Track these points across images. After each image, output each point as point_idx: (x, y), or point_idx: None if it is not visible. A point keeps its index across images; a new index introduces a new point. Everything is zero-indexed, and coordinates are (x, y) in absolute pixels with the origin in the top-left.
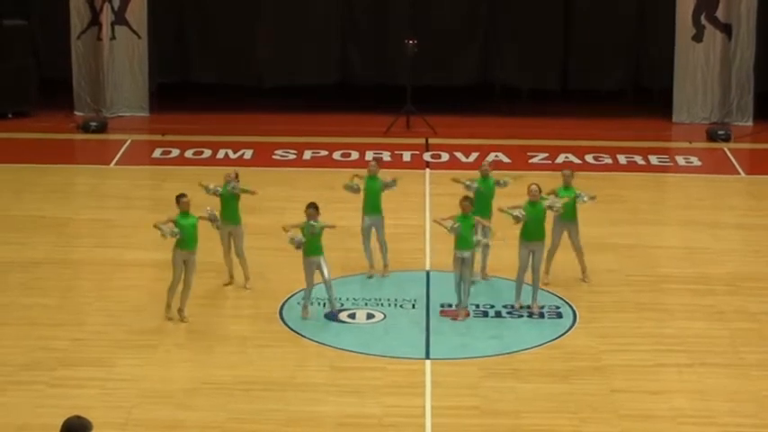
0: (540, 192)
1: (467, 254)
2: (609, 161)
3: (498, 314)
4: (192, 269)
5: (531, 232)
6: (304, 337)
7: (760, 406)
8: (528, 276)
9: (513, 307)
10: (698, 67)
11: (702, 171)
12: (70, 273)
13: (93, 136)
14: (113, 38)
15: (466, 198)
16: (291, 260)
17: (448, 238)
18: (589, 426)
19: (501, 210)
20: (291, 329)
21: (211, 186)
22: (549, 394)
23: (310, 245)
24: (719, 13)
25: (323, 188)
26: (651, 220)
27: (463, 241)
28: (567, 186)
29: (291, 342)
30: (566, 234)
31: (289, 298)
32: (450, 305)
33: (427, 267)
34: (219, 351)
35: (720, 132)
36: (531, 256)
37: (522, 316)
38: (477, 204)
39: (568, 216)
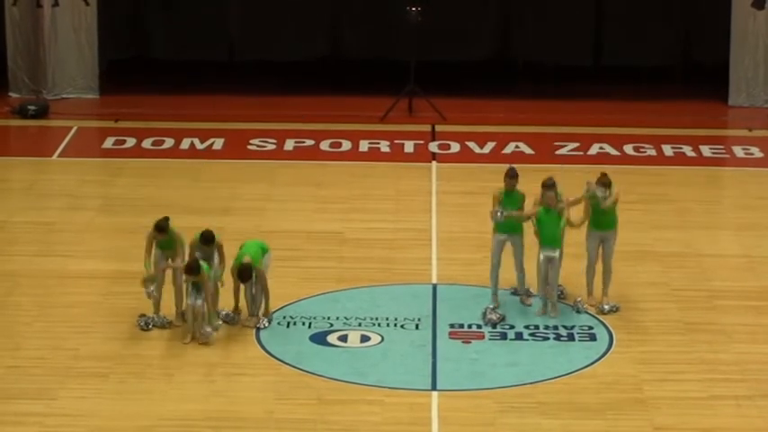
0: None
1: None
2: (652, 152)
3: (519, 336)
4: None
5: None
6: (285, 363)
7: None
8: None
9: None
10: (759, 39)
11: (764, 164)
12: (4, 287)
13: (32, 122)
14: (56, 4)
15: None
16: (270, 272)
17: (458, 246)
18: None
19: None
20: (270, 355)
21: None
22: None
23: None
24: None
25: (308, 185)
26: (703, 223)
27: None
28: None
29: (270, 370)
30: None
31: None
32: (461, 325)
33: (434, 280)
34: (183, 381)
35: None
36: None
37: (547, 338)
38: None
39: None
